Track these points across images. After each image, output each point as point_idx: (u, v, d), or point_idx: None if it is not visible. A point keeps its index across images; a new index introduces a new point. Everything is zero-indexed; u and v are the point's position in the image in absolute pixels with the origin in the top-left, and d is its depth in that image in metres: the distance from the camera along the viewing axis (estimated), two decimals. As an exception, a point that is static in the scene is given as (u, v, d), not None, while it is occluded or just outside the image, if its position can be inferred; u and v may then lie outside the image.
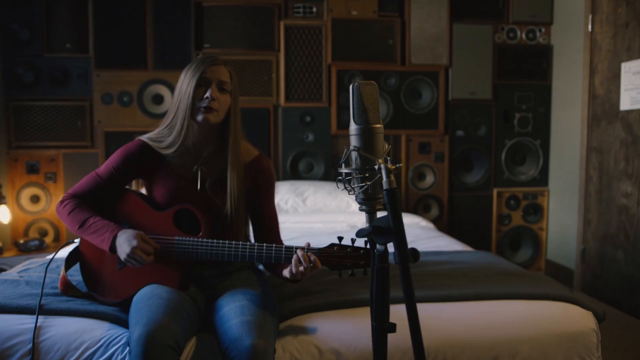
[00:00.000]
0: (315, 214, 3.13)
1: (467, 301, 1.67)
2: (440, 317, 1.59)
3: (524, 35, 3.97)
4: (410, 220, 3.11)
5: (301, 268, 1.42)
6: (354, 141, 0.96)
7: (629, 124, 3.15)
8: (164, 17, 3.56)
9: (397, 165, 0.90)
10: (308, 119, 3.71)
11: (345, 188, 0.94)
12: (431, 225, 3.12)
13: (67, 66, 3.51)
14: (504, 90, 3.95)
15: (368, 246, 1.44)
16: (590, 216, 3.51)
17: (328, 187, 3.41)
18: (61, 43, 3.51)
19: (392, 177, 0.88)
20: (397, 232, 0.83)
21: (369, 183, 0.91)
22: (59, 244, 3.50)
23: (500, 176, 3.99)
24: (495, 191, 3.98)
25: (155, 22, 3.55)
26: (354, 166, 0.94)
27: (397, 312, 1.29)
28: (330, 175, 3.75)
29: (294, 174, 3.71)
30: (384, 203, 0.86)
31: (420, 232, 2.79)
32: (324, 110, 3.72)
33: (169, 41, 3.58)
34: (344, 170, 0.95)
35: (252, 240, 1.78)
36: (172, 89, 3.59)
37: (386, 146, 0.95)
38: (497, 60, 3.92)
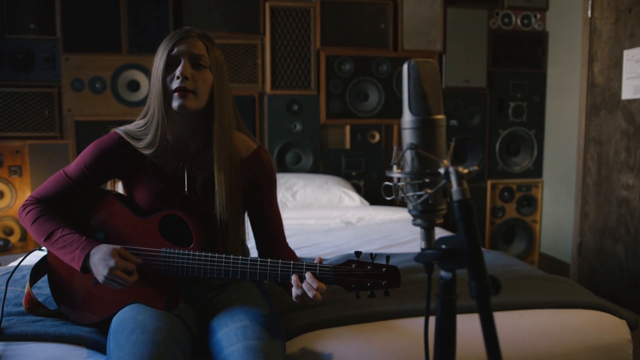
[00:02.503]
0: (307, 210, 2.92)
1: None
2: (462, 331, 1.42)
3: (519, 21, 3.81)
4: (406, 215, 2.94)
5: (311, 292, 1.19)
6: (409, 137, 0.73)
7: (631, 113, 3.02)
8: (139, -4, 3.27)
9: (471, 168, 0.69)
10: (295, 107, 3.49)
11: (396, 197, 0.73)
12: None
13: (32, 49, 3.20)
14: (498, 78, 3.80)
15: (397, 262, 1.24)
16: (588, 209, 3.40)
17: (318, 180, 3.21)
18: (24, 23, 3.19)
19: (465, 185, 0.67)
20: (474, 257, 0.64)
21: (429, 191, 0.70)
22: (26, 243, 3.22)
23: (494, 167, 3.85)
24: (489, 183, 3.84)
25: (130, 2, 3.26)
26: (409, 169, 0.72)
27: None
28: (319, 167, 3.55)
29: (281, 166, 3.49)
30: (456, 218, 0.66)
31: (417, 228, 2.61)
32: (313, 98, 3.50)
33: (145, 23, 3.29)
34: (395, 174, 0.73)
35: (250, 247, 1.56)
36: (148, 74, 3.32)
37: (451, 144, 0.74)
38: (491, 46, 3.76)
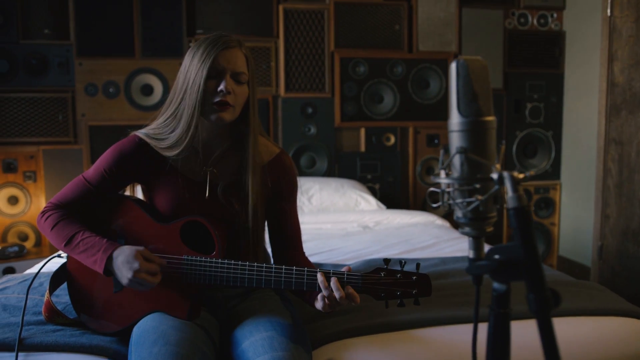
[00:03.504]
0: (323, 214, 2.88)
1: (519, 320, 1.44)
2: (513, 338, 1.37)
3: (535, 21, 3.75)
4: (424, 219, 2.89)
5: (334, 295, 1.15)
6: (457, 140, 0.68)
7: (655, 113, 2.96)
8: (152, 0, 3.25)
9: (527, 174, 0.65)
10: (310, 110, 3.45)
11: (443, 204, 0.69)
12: (447, 224, 2.90)
13: (46, 54, 3.19)
14: (514, 79, 3.74)
15: (420, 269, 1.19)
16: (609, 211, 3.33)
17: (334, 183, 3.17)
18: (38, 28, 3.19)
19: (522, 191, 0.63)
20: (533, 269, 0.59)
21: (480, 197, 0.66)
22: (40, 249, 3.20)
23: (511, 169, 3.77)
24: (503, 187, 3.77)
25: (144, 6, 3.24)
26: (458, 174, 0.67)
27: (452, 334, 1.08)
28: (334, 171, 3.50)
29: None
30: (513, 227, 0.61)
31: (440, 232, 2.57)
32: (327, 101, 3.46)
33: (158, 26, 3.27)
34: (443, 179, 0.68)
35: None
36: (162, 78, 3.30)
37: (502, 147, 0.69)
38: (507, 47, 3.70)
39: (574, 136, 3.74)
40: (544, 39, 3.75)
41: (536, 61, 3.76)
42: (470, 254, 0.70)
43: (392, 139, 3.58)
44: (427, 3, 3.53)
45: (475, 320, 0.70)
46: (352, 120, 3.51)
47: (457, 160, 0.67)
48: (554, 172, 3.85)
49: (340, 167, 3.53)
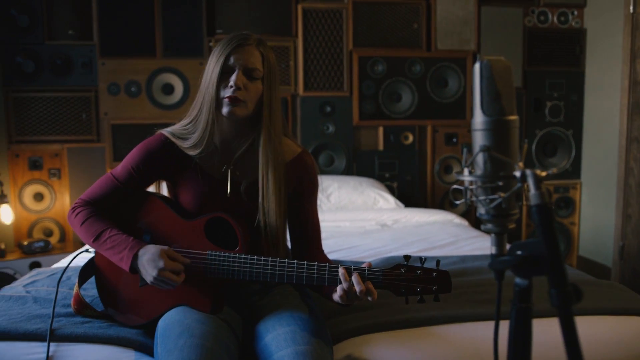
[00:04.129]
0: (341, 212, 2.90)
1: (541, 318, 1.45)
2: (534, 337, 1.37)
3: (555, 19, 3.72)
4: (442, 217, 2.89)
5: (355, 288, 1.18)
6: (481, 139, 0.70)
7: (678, 112, 2.92)
8: (173, 0, 3.30)
9: (550, 171, 0.66)
10: (328, 109, 3.47)
11: (466, 201, 0.70)
12: (465, 222, 2.90)
13: (70, 54, 3.26)
14: (534, 77, 3.71)
15: (440, 267, 1.21)
16: (631, 211, 3.29)
17: (352, 182, 3.19)
18: (63, 29, 3.26)
19: (544, 189, 0.64)
20: (555, 264, 0.61)
21: (503, 195, 0.67)
22: (64, 245, 3.28)
23: (531, 168, 3.75)
24: (525, 184, 3.74)
25: (164, 7, 3.30)
26: (481, 172, 0.69)
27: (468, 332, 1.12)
28: (352, 169, 3.52)
29: (314, 168, 3.48)
30: (535, 223, 0.62)
31: (458, 231, 2.57)
32: (345, 100, 3.48)
33: (179, 27, 3.32)
34: (466, 177, 0.70)
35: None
36: (183, 78, 3.35)
37: (524, 146, 0.71)
38: (527, 45, 3.68)
39: (595, 135, 3.70)
40: (564, 36, 3.72)
41: (556, 59, 3.73)
42: (493, 250, 0.72)
43: (411, 138, 3.58)
44: (446, 1, 3.53)
45: (497, 316, 0.71)
46: (371, 119, 3.52)
47: (480, 159, 0.69)
48: (574, 171, 3.81)
49: (359, 165, 3.54)
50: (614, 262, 3.41)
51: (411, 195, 3.56)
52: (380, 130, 3.55)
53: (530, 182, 0.64)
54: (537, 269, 0.64)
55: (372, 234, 2.56)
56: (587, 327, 1.41)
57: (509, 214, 0.70)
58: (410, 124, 3.57)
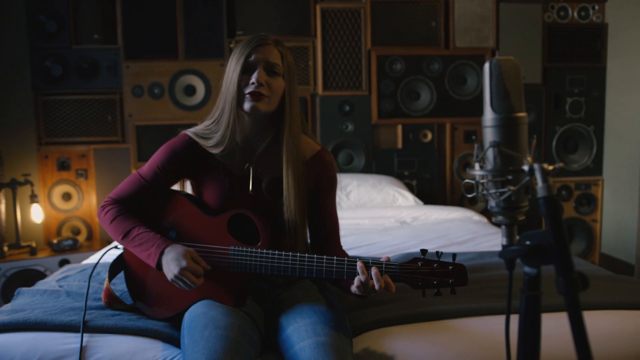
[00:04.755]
0: (361, 209, 2.94)
1: (558, 312, 1.46)
2: (545, 330, 1.39)
3: (575, 14, 3.69)
4: (461, 214, 2.91)
5: (372, 280, 1.21)
6: (491, 135, 0.74)
7: (702, 106, 2.88)
8: (194, 4, 3.38)
9: (556, 165, 0.69)
10: (347, 108, 3.51)
11: (477, 194, 0.74)
12: (484, 220, 2.91)
13: (96, 58, 3.36)
14: (554, 74, 3.69)
15: (456, 261, 1.24)
16: (654, 207, 3.25)
17: (372, 180, 3.22)
18: (89, 34, 3.36)
19: (551, 182, 0.67)
20: (561, 253, 0.64)
21: (512, 188, 0.71)
22: (92, 243, 3.38)
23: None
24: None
25: (186, 10, 3.37)
26: (491, 167, 0.73)
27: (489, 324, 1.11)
28: (371, 167, 3.55)
29: (333, 167, 3.52)
30: (543, 215, 0.66)
31: (477, 228, 2.58)
32: (364, 99, 3.52)
33: (200, 29, 3.40)
34: (477, 171, 0.74)
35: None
36: (204, 79, 3.42)
37: (533, 141, 0.74)
38: (546, 41, 3.66)
39: (617, 131, 3.66)
40: (584, 32, 3.69)
41: (577, 55, 3.70)
42: (504, 241, 0.75)
43: (429, 136, 3.60)
44: (464, -1, 3.53)
45: (508, 304, 0.74)
46: (389, 117, 3.55)
47: (490, 154, 0.72)
48: (596, 167, 3.78)
49: (378, 163, 3.57)
50: (637, 259, 3.38)
51: (430, 192, 3.58)
52: (399, 128, 3.58)
53: (538, 175, 0.67)
54: (545, 258, 0.67)
55: (391, 231, 2.59)
56: (603, 320, 1.43)
57: (519, 207, 0.74)
58: (429, 122, 3.59)
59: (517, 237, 0.73)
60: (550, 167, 0.68)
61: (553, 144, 3.72)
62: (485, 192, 0.73)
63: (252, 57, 1.35)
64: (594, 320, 1.44)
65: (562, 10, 3.68)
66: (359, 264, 1.25)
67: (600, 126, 3.76)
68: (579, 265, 1.87)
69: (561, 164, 0.70)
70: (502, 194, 0.72)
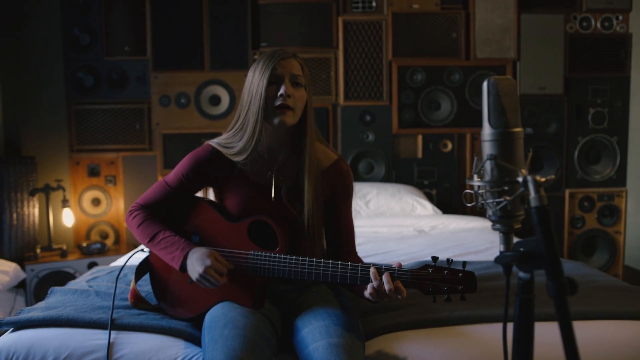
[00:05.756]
0: (379, 218, 2.98)
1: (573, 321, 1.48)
2: (541, 338, 1.43)
3: (599, 24, 3.68)
4: (480, 224, 2.92)
5: (384, 286, 1.27)
6: (488, 148, 0.80)
7: None
8: (220, 17, 3.49)
9: (548, 177, 0.74)
10: (368, 118, 3.57)
11: (476, 204, 0.79)
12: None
13: (126, 69, 3.50)
14: (576, 84, 3.68)
15: (471, 269, 1.28)
16: (678, 219, 3.21)
17: (391, 189, 3.26)
18: (120, 46, 3.51)
19: (543, 192, 0.72)
20: (551, 259, 0.69)
21: (508, 198, 0.76)
22: (119, 247, 3.50)
23: (573, 176, 3.72)
24: (567, 192, 3.71)
25: (212, 23, 3.49)
26: (489, 178, 0.78)
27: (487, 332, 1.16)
28: (391, 176, 3.60)
29: (354, 176, 3.58)
30: (533, 223, 0.71)
31: (494, 238, 2.60)
32: (385, 109, 3.57)
33: (225, 41, 3.51)
34: (476, 182, 0.79)
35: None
36: (229, 89, 3.53)
37: (529, 154, 0.79)
38: (569, 51, 3.66)
39: (640, 142, 3.63)
40: (608, 42, 3.68)
41: (599, 65, 3.69)
42: (501, 248, 0.80)
43: (449, 146, 3.63)
44: (485, 10, 3.57)
45: (506, 308, 0.79)
46: (410, 127, 3.59)
47: (488, 166, 0.78)
48: (619, 178, 3.75)
49: (398, 173, 3.62)
50: (661, 271, 3.33)
51: (450, 202, 3.60)
52: (420, 138, 3.62)
53: (531, 187, 0.72)
54: (536, 264, 0.72)
55: (408, 239, 2.63)
56: (612, 331, 1.45)
57: (515, 216, 0.79)
58: (449, 132, 3.62)
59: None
60: (542, 179, 0.73)
61: (575, 154, 3.71)
62: (483, 201, 0.79)
63: (278, 70, 1.42)
64: (604, 329, 1.46)
65: (584, 20, 3.67)
66: (372, 270, 1.30)
67: (624, 137, 3.73)
68: (594, 275, 1.89)
69: (552, 177, 0.74)
70: (498, 203, 0.77)
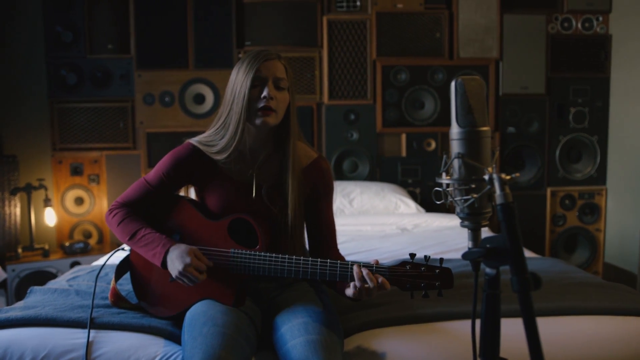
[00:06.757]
0: (363, 216, 3.00)
1: (547, 316, 1.52)
2: (516, 334, 1.45)
3: (579, 25, 3.74)
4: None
5: (367, 285, 1.29)
6: (456, 147, 0.81)
7: (702, 118, 2.91)
8: (204, 15, 3.49)
9: (513, 175, 0.76)
10: (352, 117, 3.59)
11: (445, 202, 0.81)
12: (485, 228, 2.95)
13: (109, 67, 3.48)
14: (558, 84, 3.73)
15: (445, 265, 1.30)
16: (656, 217, 3.28)
17: (375, 187, 3.28)
18: (103, 44, 3.48)
19: (508, 190, 0.74)
20: (515, 255, 0.70)
21: (475, 196, 0.78)
22: (102, 246, 3.48)
23: (555, 174, 3.77)
24: (549, 190, 3.77)
25: (196, 21, 3.48)
26: (456, 176, 0.80)
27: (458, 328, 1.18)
28: (375, 175, 3.62)
29: (338, 174, 3.59)
30: (498, 220, 0.72)
31: (476, 236, 2.63)
32: (369, 108, 3.59)
33: (210, 40, 3.50)
34: (443, 180, 0.81)
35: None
36: (213, 88, 3.52)
37: (496, 153, 0.81)
38: (550, 52, 3.71)
39: (620, 141, 3.69)
40: (588, 42, 3.73)
41: (580, 65, 3.74)
42: (469, 244, 0.82)
43: (433, 144, 3.66)
44: (468, 10, 3.60)
45: (474, 302, 0.81)
46: (394, 126, 3.62)
47: (456, 164, 0.79)
48: (600, 177, 3.81)
49: (382, 171, 3.64)
50: (640, 268, 3.39)
51: (433, 200, 3.62)
52: (403, 137, 3.64)
53: (496, 184, 0.74)
54: (502, 260, 0.74)
55: (391, 237, 2.65)
56: (589, 326, 1.48)
57: (482, 213, 0.81)
58: (433, 131, 3.65)
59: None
60: (508, 177, 0.75)
61: (557, 153, 3.76)
62: (452, 199, 0.80)
63: (262, 72, 1.43)
64: (581, 324, 1.49)
65: (566, 21, 3.73)
66: (355, 269, 1.31)
67: (604, 136, 3.79)
68: (572, 272, 1.92)
69: (517, 174, 0.76)
70: (466, 200, 0.79)
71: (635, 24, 3.50)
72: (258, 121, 1.44)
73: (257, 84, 1.43)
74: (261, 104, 1.42)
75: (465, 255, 0.79)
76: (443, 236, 2.64)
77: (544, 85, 3.71)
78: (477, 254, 0.75)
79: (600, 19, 3.74)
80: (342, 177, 3.61)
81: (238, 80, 1.45)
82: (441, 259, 1.32)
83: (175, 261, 1.37)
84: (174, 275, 1.39)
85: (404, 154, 3.65)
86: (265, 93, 1.42)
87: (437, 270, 1.29)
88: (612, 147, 3.78)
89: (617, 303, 1.57)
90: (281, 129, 1.51)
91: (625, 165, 3.64)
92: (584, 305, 1.55)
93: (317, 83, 3.57)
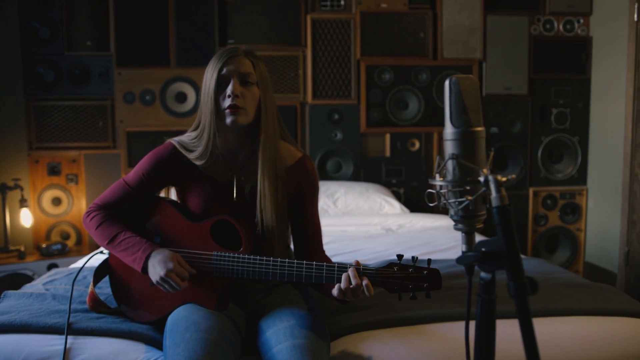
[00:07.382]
0: (347, 217, 2.98)
1: (534, 317, 1.50)
2: (500, 336, 1.44)
3: (561, 27, 3.77)
4: (447, 222, 2.95)
5: (352, 285, 1.26)
6: (450, 148, 0.79)
7: (681, 119, 2.95)
8: (186, 12, 3.42)
9: (509, 177, 0.74)
10: (336, 116, 3.56)
11: (439, 204, 0.78)
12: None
13: (88, 64, 3.40)
14: (540, 85, 3.76)
15: (431, 266, 1.28)
16: (636, 217, 3.32)
17: (359, 187, 3.26)
18: (82, 41, 3.40)
19: (504, 192, 0.72)
20: (512, 259, 0.68)
21: (470, 198, 0.75)
22: (81, 247, 3.40)
23: (537, 174, 3.80)
24: (531, 190, 3.79)
25: (178, 18, 3.42)
26: (450, 178, 0.78)
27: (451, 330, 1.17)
28: (359, 175, 3.60)
29: (322, 174, 3.57)
30: (495, 223, 0.70)
31: (457, 235, 2.63)
32: (353, 108, 3.57)
33: (192, 37, 3.44)
34: (438, 182, 0.78)
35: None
36: (195, 86, 3.47)
37: (491, 154, 0.78)
38: (533, 53, 3.73)
39: (600, 141, 3.73)
40: (570, 44, 3.76)
41: (562, 67, 3.78)
42: (463, 248, 0.80)
43: (417, 144, 3.65)
44: (452, 11, 3.60)
45: (468, 306, 0.78)
46: (378, 126, 3.60)
47: (450, 165, 0.77)
48: (581, 177, 3.85)
49: (366, 171, 3.62)
50: (620, 268, 3.44)
51: (417, 201, 3.63)
52: (387, 137, 3.63)
53: (492, 186, 0.72)
54: (498, 264, 0.72)
55: (376, 238, 2.63)
56: (575, 327, 1.47)
57: (476, 215, 0.78)
58: (417, 131, 3.64)
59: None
60: (504, 179, 0.72)
61: (539, 154, 3.79)
62: (445, 201, 0.78)
63: (224, 70, 1.39)
64: (565, 325, 1.49)
65: (547, 23, 3.75)
66: (344, 275, 1.28)
67: (584, 137, 3.83)
68: (556, 273, 1.92)
69: (513, 176, 0.75)
70: (460, 203, 0.76)
71: (615, 26, 3.54)
72: (228, 120, 1.40)
73: (222, 82, 1.40)
74: (227, 103, 1.38)
75: (460, 260, 0.77)
76: (428, 236, 2.63)
77: (527, 86, 3.73)
78: (473, 258, 0.73)
79: (581, 21, 3.78)
80: (326, 177, 3.58)
81: (206, 82, 1.42)
82: (429, 260, 1.30)
83: (157, 266, 1.33)
84: (154, 281, 1.35)
85: (388, 154, 3.64)
86: (229, 91, 1.38)
87: (425, 272, 1.27)
88: (592, 148, 3.82)
89: (604, 304, 1.58)
90: (258, 128, 1.46)
91: (604, 166, 3.68)
92: (570, 306, 1.55)
93: (301, 82, 3.54)
